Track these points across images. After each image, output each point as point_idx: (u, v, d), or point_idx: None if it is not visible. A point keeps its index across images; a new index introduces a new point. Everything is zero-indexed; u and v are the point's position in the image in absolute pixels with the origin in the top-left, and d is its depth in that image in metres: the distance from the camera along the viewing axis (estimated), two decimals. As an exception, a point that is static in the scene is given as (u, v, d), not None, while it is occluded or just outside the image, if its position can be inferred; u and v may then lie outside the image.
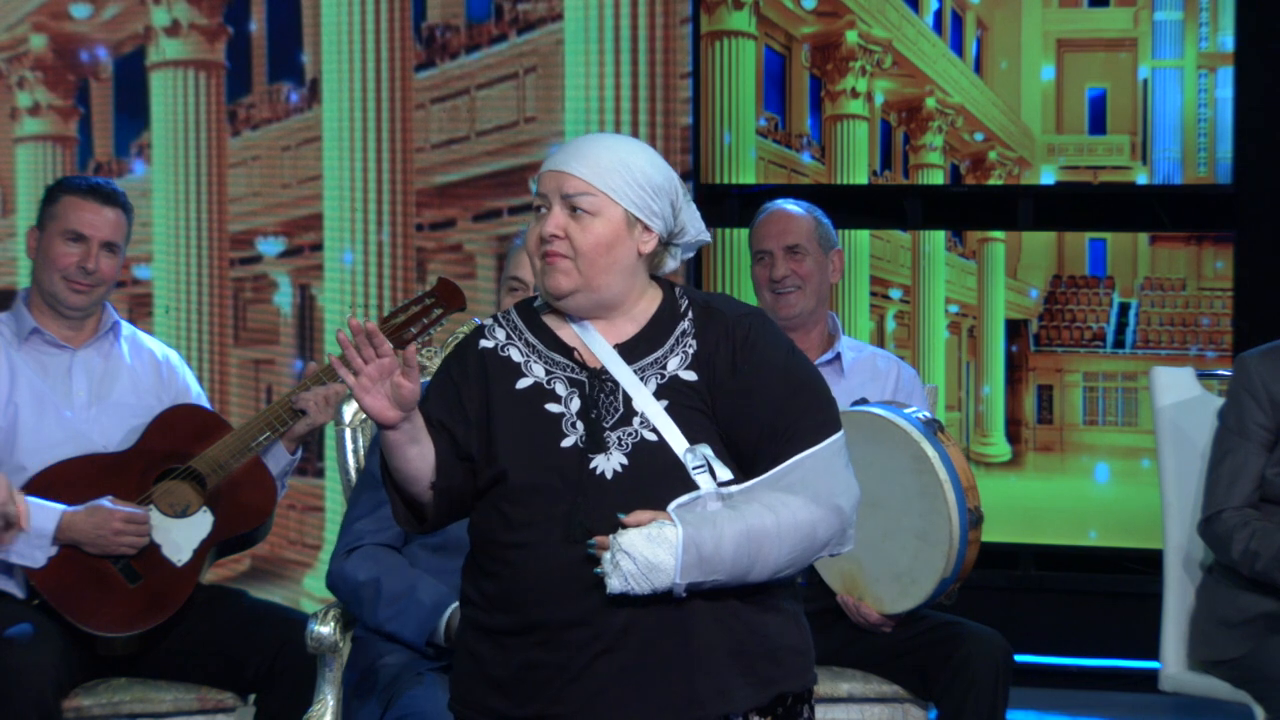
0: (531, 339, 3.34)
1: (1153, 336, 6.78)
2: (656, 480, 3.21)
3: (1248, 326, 6.54)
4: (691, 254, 3.42)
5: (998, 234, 6.90)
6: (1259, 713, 4.63)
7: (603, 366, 3.28)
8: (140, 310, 6.99)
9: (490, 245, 6.88)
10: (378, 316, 5.36)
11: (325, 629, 4.17)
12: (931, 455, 4.34)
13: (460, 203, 6.96)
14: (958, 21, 6.91)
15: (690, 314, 3.33)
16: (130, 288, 6.97)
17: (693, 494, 3.20)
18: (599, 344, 3.30)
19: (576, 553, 3.19)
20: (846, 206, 6.94)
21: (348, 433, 4.41)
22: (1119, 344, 6.82)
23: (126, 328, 4.90)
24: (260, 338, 7.07)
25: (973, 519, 4.37)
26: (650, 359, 3.30)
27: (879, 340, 6.88)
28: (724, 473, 3.23)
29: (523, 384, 3.29)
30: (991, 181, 6.91)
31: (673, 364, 3.29)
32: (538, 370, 3.30)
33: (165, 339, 6.01)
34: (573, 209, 3.28)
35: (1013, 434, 6.89)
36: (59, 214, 4.74)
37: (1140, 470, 6.66)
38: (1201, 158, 6.71)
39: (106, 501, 4.56)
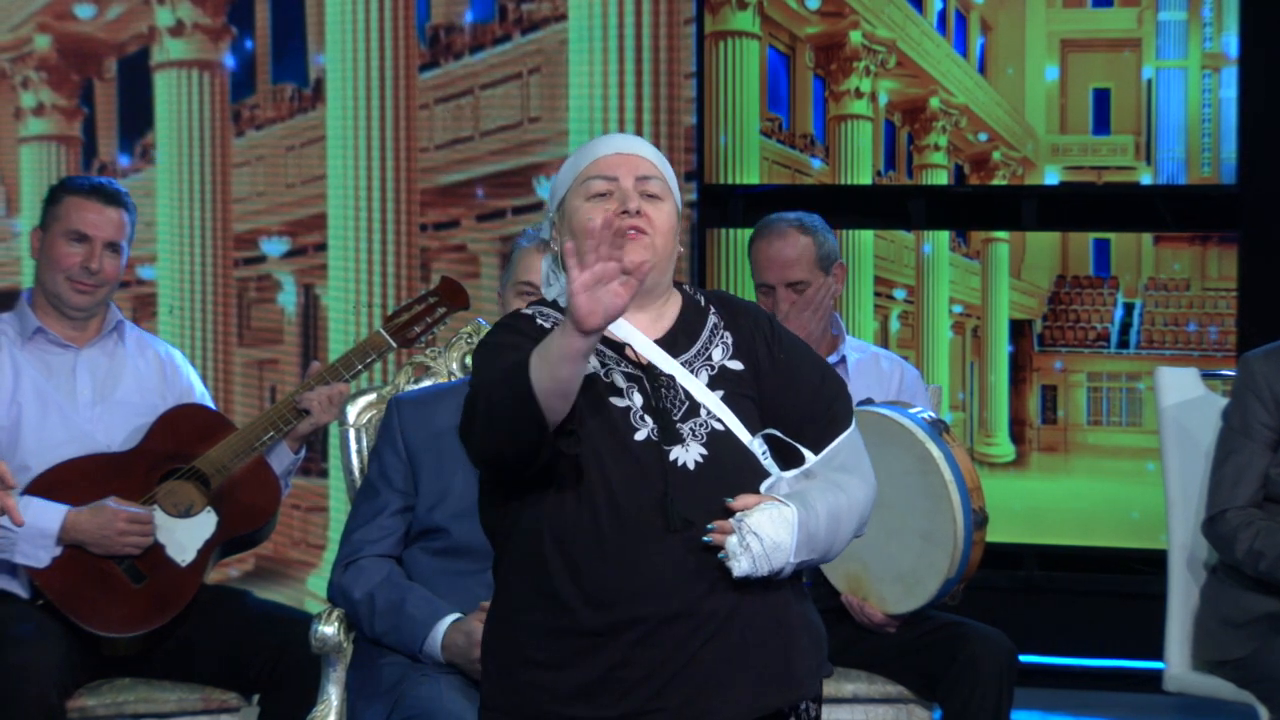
0: None
1: (1157, 337, 6.78)
2: (735, 468, 3.24)
3: (1252, 326, 6.54)
4: None
5: (1002, 234, 6.90)
6: (1263, 713, 4.63)
7: (650, 362, 3.29)
8: (144, 310, 6.99)
9: (494, 245, 6.88)
10: (381, 315, 5.36)
11: (329, 629, 4.17)
12: (936, 455, 4.33)
13: (464, 203, 6.96)
14: (962, 22, 6.91)
15: (713, 308, 3.38)
16: (134, 288, 6.98)
17: (773, 478, 3.25)
18: (641, 340, 3.30)
19: (674, 544, 3.17)
20: (850, 207, 6.95)
21: (351, 433, 4.41)
22: (1123, 344, 6.81)
23: (130, 327, 4.90)
24: (264, 338, 7.07)
25: (978, 520, 4.37)
26: (692, 352, 3.32)
27: (883, 340, 6.88)
28: (809, 455, 3.28)
29: (586, 369, 3.22)
30: (995, 182, 6.91)
31: (717, 355, 3.33)
32: (593, 360, 3.26)
33: (169, 339, 6.02)
34: (644, 191, 3.30)
35: (1017, 434, 6.89)
36: (62, 214, 4.74)
37: (1144, 470, 6.65)
38: (1205, 158, 6.70)
39: (111, 501, 4.56)
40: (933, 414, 4.46)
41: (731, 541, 3.16)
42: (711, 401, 3.27)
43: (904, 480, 4.37)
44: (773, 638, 3.23)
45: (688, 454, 3.23)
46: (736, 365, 3.32)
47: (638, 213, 3.27)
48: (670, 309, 3.36)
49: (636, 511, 3.18)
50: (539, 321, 3.32)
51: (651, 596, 3.17)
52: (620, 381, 3.27)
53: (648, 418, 3.25)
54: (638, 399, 3.26)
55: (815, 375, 3.35)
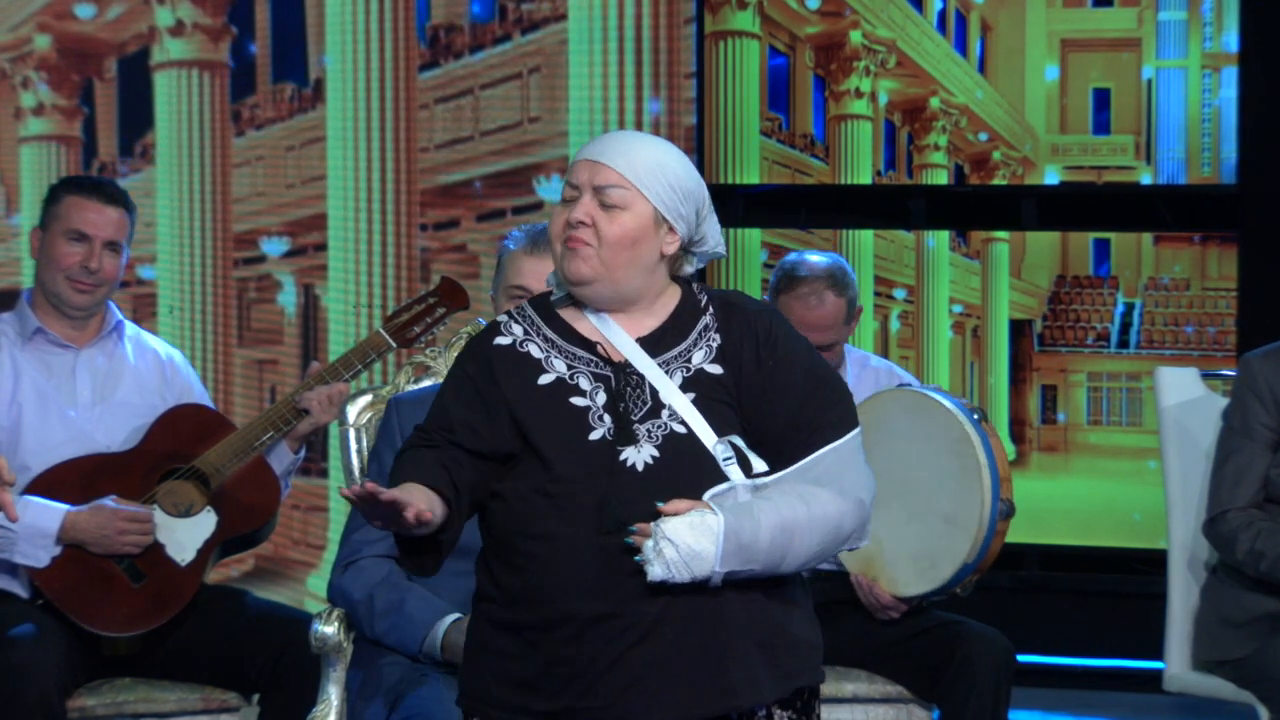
0: (550, 334, 3.34)
1: (1157, 337, 6.78)
2: (687, 472, 3.23)
3: (1251, 326, 6.54)
4: (704, 264, 3.44)
5: (1002, 234, 6.90)
6: (1263, 713, 4.63)
7: (626, 360, 3.30)
8: (144, 310, 6.99)
9: (494, 245, 6.88)
10: (381, 315, 5.36)
11: (329, 629, 4.17)
12: (974, 439, 4.35)
13: (464, 203, 6.96)
14: (961, 21, 6.91)
15: (711, 309, 3.36)
16: (134, 288, 6.98)
17: (725, 485, 3.22)
18: (621, 338, 3.31)
19: (608, 544, 3.19)
20: (850, 207, 6.95)
21: (351, 432, 4.40)
22: (1123, 344, 6.82)
23: (130, 327, 4.90)
24: (264, 338, 7.07)
25: (1004, 510, 4.38)
26: (674, 352, 3.31)
27: (883, 340, 6.88)
28: (758, 464, 3.25)
29: (544, 380, 3.29)
30: (995, 181, 6.91)
31: (697, 357, 3.31)
32: (559, 365, 3.30)
33: (169, 339, 6.01)
34: (603, 201, 3.29)
35: (1017, 434, 6.89)
36: (61, 214, 4.74)
37: (1145, 470, 6.65)
38: (1205, 158, 6.70)
39: (110, 501, 4.56)
40: (971, 401, 4.49)
41: (647, 546, 3.16)
42: (680, 403, 3.26)
43: (936, 461, 4.37)
44: (707, 644, 3.21)
45: (639, 455, 3.23)
46: (715, 369, 3.30)
47: (579, 223, 3.27)
48: (662, 308, 3.35)
49: (577, 510, 3.21)
50: (497, 340, 3.33)
51: (581, 595, 3.20)
52: (586, 382, 3.28)
53: (606, 417, 3.26)
54: (601, 398, 3.27)
55: (806, 384, 3.31)
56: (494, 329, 3.36)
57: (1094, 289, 6.83)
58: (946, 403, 4.41)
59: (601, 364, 3.30)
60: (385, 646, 4.06)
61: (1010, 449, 6.88)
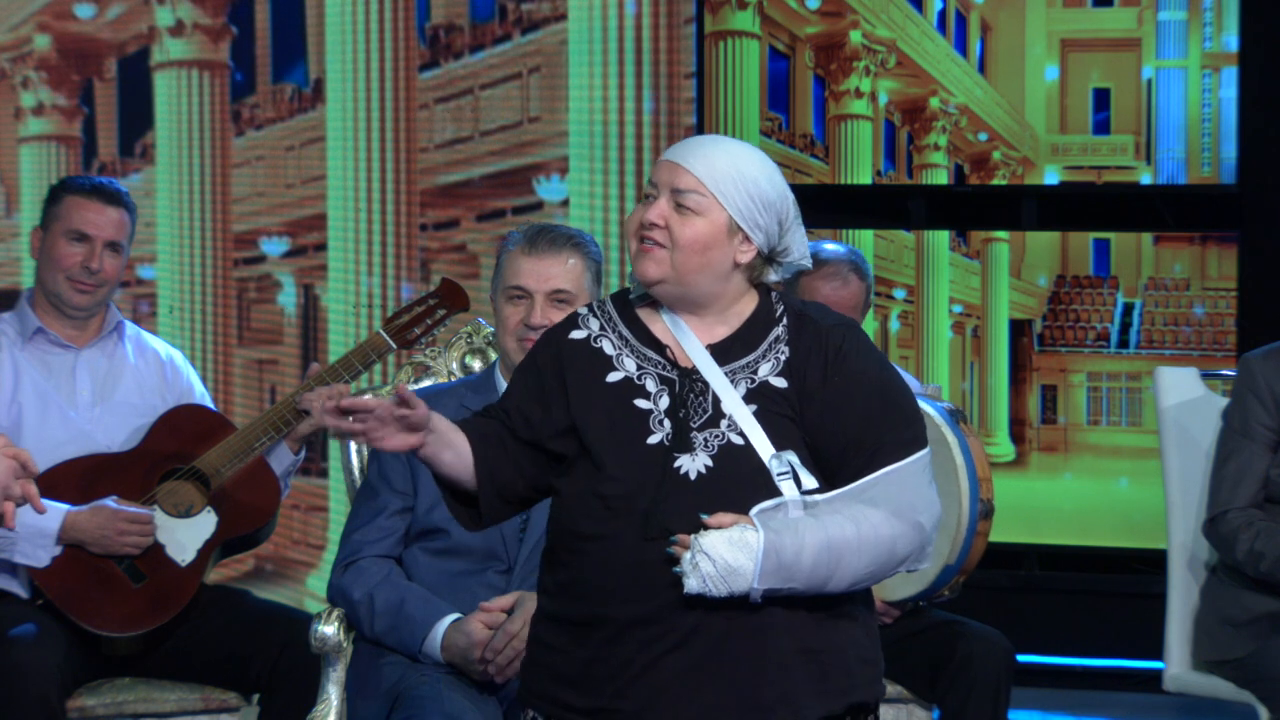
0: (625, 332, 3.34)
1: (1156, 337, 6.78)
2: (740, 484, 3.22)
3: (1252, 327, 6.54)
4: (791, 275, 3.41)
5: (1001, 234, 6.90)
6: (1263, 713, 4.63)
7: (694, 366, 3.29)
8: (144, 310, 6.99)
9: (494, 245, 6.88)
10: (381, 315, 5.37)
11: (329, 629, 4.17)
12: (951, 440, 4.34)
13: (464, 203, 6.96)
14: (961, 21, 6.91)
15: (785, 320, 3.34)
16: (134, 288, 6.98)
17: (776, 500, 3.20)
18: (692, 343, 3.31)
19: (652, 550, 3.19)
20: (850, 207, 6.95)
21: (351, 433, 4.40)
22: (1123, 344, 6.82)
23: (130, 328, 4.91)
24: (264, 338, 7.07)
25: (983, 510, 4.37)
26: (742, 362, 3.30)
27: (884, 340, 6.88)
28: (808, 480, 3.23)
29: (613, 377, 3.30)
30: (995, 181, 6.91)
31: (764, 369, 3.29)
32: (629, 365, 3.31)
33: (169, 339, 6.02)
34: (679, 204, 3.28)
35: (1016, 434, 6.89)
36: (62, 214, 4.74)
37: (1145, 470, 6.65)
38: (1205, 158, 6.71)
39: (110, 501, 4.56)
40: (951, 404, 4.48)
41: (685, 558, 3.16)
42: (740, 414, 3.25)
43: None
44: (744, 657, 3.20)
45: (694, 463, 3.23)
46: (780, 383, 3.28)
47: (653, 225, 3.28)
48: (736, 316, 3.34)
49: (625, 514, 3.22)
50: (573, 333, 3.35)
51: (620, 598, 3.21)
52: (652, 385, 3.29)
53: (667, 422, 3.26)
54: (664, 402, 3.27)
55: (872, 403, 3.28)
56: (572, 320, 3.38)
57: (1094, 289, 6.83)
58: (923, 405, 4.40)
59: (669, 367, 3.30)
60: (385, 646, 4.07)
61: (1010, 449, 6.88)
